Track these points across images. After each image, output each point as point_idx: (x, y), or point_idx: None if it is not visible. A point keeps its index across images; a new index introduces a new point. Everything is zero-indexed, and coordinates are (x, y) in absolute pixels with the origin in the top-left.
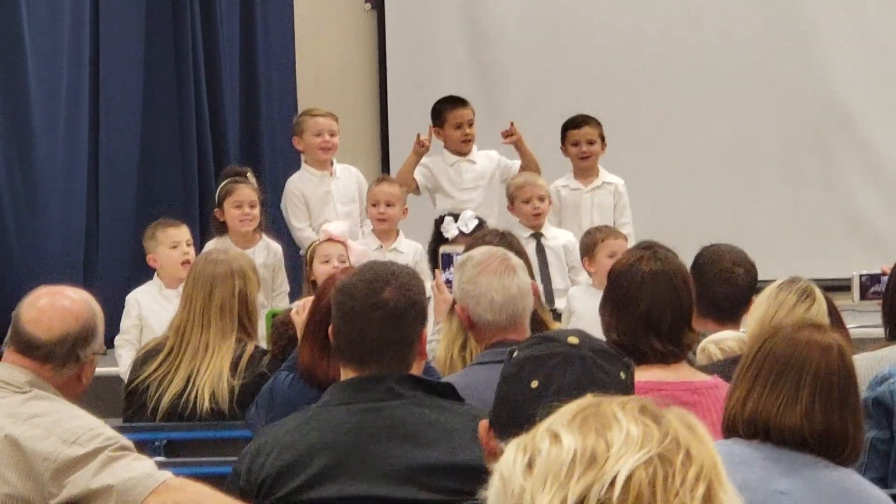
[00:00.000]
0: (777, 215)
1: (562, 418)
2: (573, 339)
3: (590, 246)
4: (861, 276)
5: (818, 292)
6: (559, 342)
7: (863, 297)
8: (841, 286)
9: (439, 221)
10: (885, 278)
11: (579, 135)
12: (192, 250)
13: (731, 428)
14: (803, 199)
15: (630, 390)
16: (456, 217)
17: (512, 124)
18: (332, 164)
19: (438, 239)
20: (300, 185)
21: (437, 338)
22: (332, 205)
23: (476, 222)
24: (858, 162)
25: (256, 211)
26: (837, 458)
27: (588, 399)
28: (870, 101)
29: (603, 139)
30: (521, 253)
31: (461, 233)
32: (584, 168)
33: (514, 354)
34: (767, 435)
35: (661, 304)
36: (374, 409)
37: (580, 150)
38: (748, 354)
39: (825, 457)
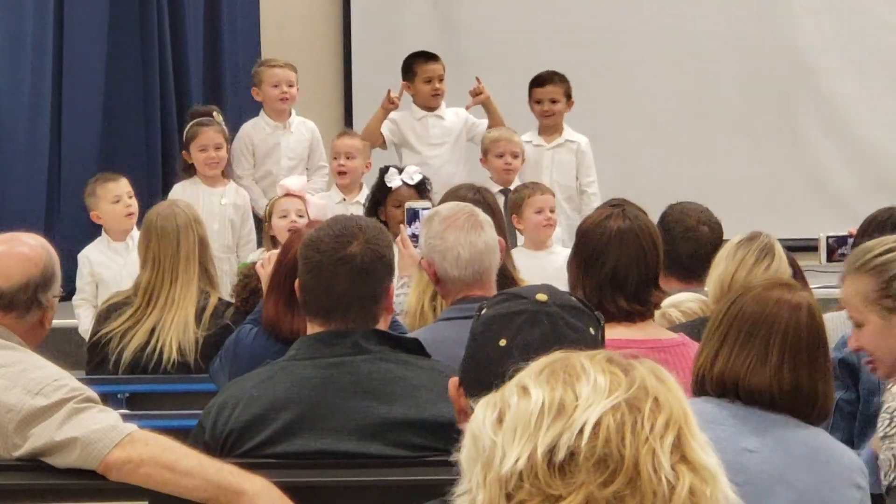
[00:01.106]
0: (741, 174)
1: (530, 373)
2: (541, 296)
3: (517, 203)
4: (828, 237)
5: (778, 247)
6: (527, 299)
7: (829, 259)
8: (806, 246)
9: (384, 171)
10: (851, 240)
11: (542, 93)
12: (134, 202)
13: (701, 387)
14: (767, 157)
15: (600, 345)
16: (401, 170)
17: (478, 80)
18: (290, 115)
19: (381, 188)
20: (252, 132)
21: (404, 291)
22: (277, 158)
23: (420, 177)
24: (822, 121)
25: (223, 152)
26: (807, 418)
27: (557, 354)
28: (833, 59)
29: (569, 97)
30: (494, 209)
31: (404, 184)
32: (548, 126)
33: (483, 312)
34: (737, 394)
35: (628, 262)
36: (340, 364)
37: (542, 108)
38: (718, 313)
39: (794, 416)
